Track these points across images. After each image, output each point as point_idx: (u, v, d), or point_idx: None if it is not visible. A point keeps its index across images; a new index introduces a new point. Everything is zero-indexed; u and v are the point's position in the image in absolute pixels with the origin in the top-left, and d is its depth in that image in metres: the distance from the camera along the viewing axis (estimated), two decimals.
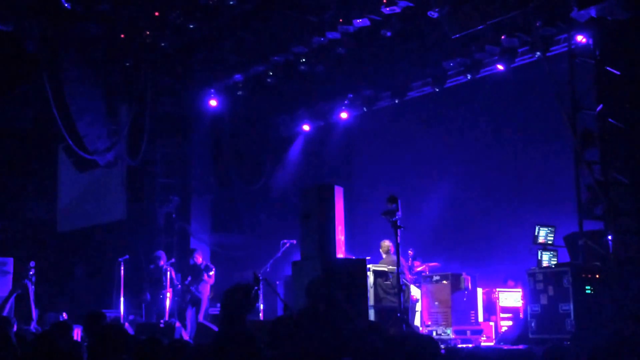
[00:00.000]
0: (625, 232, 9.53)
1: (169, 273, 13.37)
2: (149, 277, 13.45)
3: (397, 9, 11.06)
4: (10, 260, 15.61)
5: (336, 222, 10.29)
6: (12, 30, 14.38)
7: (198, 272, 13.25)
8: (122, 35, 13.53)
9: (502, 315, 11.17)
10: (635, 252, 9.39)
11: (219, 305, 12.14)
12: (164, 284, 13.21)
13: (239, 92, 14.25)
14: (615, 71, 9.76)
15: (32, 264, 13.97)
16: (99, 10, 12.92)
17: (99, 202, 17.29)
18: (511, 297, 11.32)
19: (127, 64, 14.29)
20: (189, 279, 13.25)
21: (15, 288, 12.91)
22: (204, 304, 13.12)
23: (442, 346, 8.46)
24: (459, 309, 11.11)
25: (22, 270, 14.19)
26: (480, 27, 10.66)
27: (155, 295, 13.32)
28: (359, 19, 11.47)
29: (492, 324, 11.11)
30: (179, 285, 13.44)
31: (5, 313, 12.93)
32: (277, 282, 12.89)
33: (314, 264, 9.97)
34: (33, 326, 12.70)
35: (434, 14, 10.74)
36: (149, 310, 13.38)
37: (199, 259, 13.37)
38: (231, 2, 11.95)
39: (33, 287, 13.76)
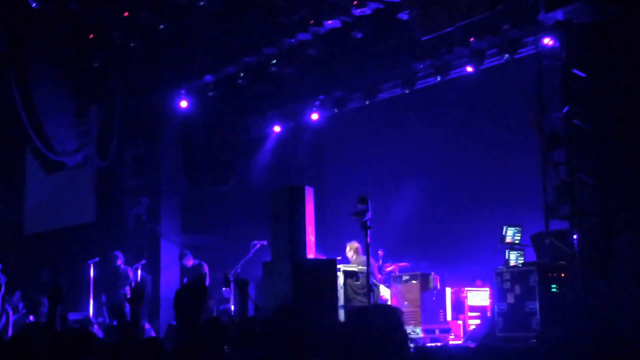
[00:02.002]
0: (590, 232, 9.67)
1: (139, 272, 13.28)
2: (106, 278, 13.31)
3: (368, 11, 11.11)
4: None
5: (306, 223, 10.32)
6: None
7: (192, 276, 13.00)
8: (91, 36, 13.43)
9: (470, 314, 11.29)
10: (600, 252, 9.54)
11: None
12: (125, 284, 13.07)
13: (210, 93, 14.20)
14: (581, 73, 9.91)
15: None
16: (67, 10, 12.83)
17: (67, 203, 17.13)
18: (479, 296, 11.45)
19: (96, 65, 14.17)
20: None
21: None
22: None
23: (411, 345, 8.54)
24: (428, 308, 11.21)
25: None
26: (449, 29, 10.79)
27: (112, 296, 13.12)
28: (329, 20, 11.51)
29: (460, 322, 11.24)
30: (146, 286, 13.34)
31: None
32: (249, 283, 12.86)
33: (284, 264, 10.01)
34: None
35: (403, 16, 10.83)
36: (111, 312, 13.22)
37: (189, 262, 13.16)
38: (201, 3, 11.92)
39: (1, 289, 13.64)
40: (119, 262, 13.28)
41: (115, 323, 12.58)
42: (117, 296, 12.99)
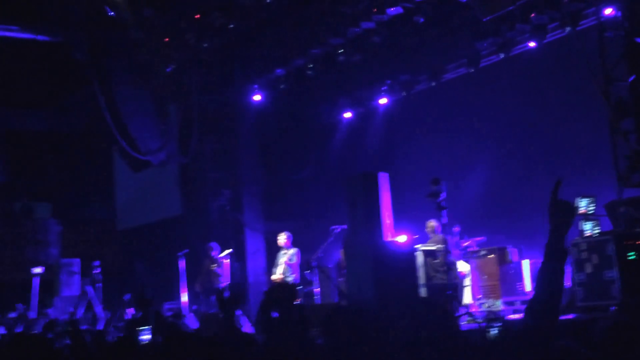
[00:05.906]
0: None
1: (228, 262, 13.83)
2: (202, 269, 13.79)
3: None
4: (77, 261, 16.48)
5: (383, 208, 10.60)
6: (61, 41, 15.12)
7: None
8: (166, 39, 14.09)
9: None
10: None
11: None
12: (220, 274, 13.62)
13: (282, 86, 14.66)
14: None
15: (96, 263, 14.70)
16: (142, 16, 13.51)
17: (154, 199, 17.92)
18: None
19: (173, 66, 14.83)
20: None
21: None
22: None
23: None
24: (507, 281, 11.35)
25: (87, 269, 15.00)
26: (510, 8, 10.89)
27: (208, 286, 13.62)
28: (391, 7, 11.79)
29: None
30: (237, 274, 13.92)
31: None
32: (330, 266, 13.29)
33: (363, 249, 10.38)
34: (101, 326, 13.37)
35: None
36: (207, 301, 13.76)
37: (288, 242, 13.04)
38: (267, 0, 12.40)
39: (100, 284, 14.47)
40: (214, 253, 13.70)
41: (212, 311, 13.19)
42: (212, 284, 13.51)
